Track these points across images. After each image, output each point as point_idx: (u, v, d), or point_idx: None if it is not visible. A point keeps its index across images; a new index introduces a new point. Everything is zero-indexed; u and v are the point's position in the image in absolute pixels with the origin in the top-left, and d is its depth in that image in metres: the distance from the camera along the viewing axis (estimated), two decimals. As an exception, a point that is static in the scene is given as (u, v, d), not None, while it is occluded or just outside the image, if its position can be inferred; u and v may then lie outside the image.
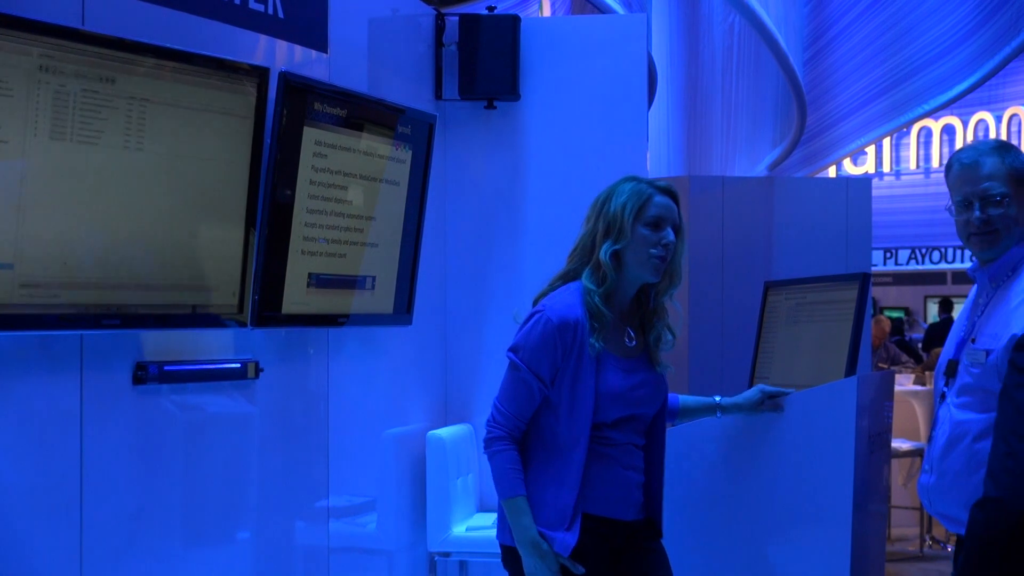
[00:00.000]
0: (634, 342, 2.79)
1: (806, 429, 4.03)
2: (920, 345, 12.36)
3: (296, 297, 3.60)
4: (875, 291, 14.06)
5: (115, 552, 3.10)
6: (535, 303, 2.79)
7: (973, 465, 2.44)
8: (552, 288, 2.79)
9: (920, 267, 15.78)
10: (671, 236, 2.72)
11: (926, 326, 14.35)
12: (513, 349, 2.72)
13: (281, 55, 3.69)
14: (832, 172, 12.66)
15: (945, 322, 12.46)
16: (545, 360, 2.67)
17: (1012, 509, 2.02)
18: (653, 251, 2.69)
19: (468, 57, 4.66)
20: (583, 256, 2.76)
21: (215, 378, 3.43)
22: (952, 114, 14.99)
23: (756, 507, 4.07)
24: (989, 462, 2.14)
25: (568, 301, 2.70)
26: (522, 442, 2.73)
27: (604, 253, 2.69)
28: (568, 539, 2.65)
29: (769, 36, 7.54)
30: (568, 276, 2.79)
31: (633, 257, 2.70)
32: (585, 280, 2.72)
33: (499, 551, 2.81)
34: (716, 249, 6.65)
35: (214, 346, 3.46)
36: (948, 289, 15.50)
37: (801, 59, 9.47)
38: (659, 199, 2.72)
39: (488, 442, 2.71)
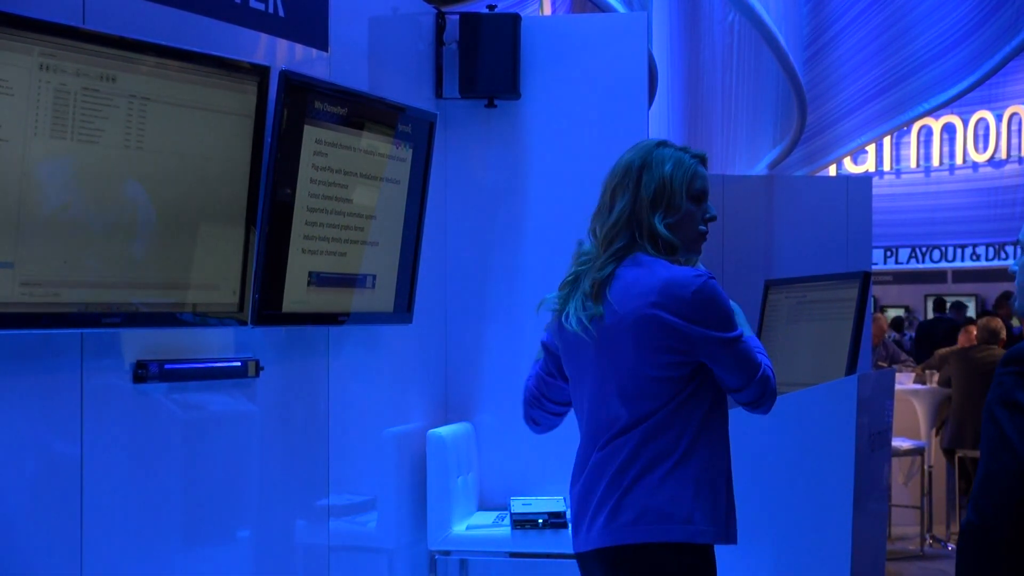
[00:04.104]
0: None
1: (807, 428, 4.03)
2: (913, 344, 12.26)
3: (296, 295, 3.60)
4: (875, 290, 14.04)
5: (115, 551, 3.09)
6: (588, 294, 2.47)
7: None
8: (603, 266, 2.45)
9: (920, 266, 15.80)
10: (713, 210, 2.52)
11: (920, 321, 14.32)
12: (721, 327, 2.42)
13: (282, 54, 3.69)
14: (832, 171, 12.66)
15: (937, 321, 12.33)
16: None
17: (993, 537, 1.99)
18: (702, 228, 2.51)
19: (469, 56, 4.66)
20: (629, 230, 2.47)
21: (216, 376, 3.43)
22: (952, 113, 15.00)
23: (757, 505, 4.07)
24: (973, 485, 2.11)
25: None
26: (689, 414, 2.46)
27: (661, 226, 2.44)
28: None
29: (769, 35, 7.53)
30: (621, 253, 2.47)
31: (683, 234, 2.48)
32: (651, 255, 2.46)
33: (498, 550, 2.75)
34: (716, 248, 6.65)
35: (214, 344, 3.46)
36: (948, 288, 15.50)
37: (801, 58, 9.47)
38: (701, 170, 2.51)
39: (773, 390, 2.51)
